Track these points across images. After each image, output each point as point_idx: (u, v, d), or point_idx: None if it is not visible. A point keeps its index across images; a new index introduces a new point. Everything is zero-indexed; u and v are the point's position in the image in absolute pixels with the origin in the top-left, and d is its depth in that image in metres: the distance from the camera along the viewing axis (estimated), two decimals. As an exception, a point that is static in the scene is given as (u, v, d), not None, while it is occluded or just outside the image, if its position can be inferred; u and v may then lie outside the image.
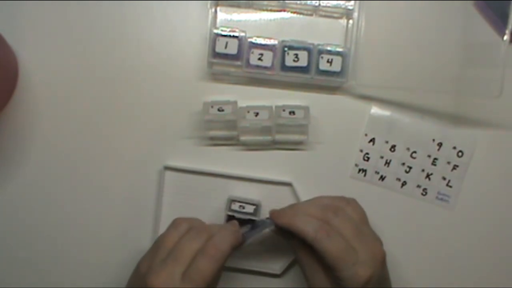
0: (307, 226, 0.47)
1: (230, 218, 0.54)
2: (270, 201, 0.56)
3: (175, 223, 0.48)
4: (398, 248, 0.58)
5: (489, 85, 0.53)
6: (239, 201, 0.54)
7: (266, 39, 0.55)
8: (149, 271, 0.44)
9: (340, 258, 0.45)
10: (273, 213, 0.50)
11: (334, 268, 0.45)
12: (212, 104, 0.55)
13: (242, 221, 0.53)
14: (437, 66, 0.57)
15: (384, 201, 0.58)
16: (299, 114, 0.54)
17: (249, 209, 0.53)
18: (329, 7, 0.56)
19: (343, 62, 0.54)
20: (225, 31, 0.54)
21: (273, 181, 0.57)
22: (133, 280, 0.48)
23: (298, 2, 0.56)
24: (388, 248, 0.58)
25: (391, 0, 0.56)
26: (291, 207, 0.51)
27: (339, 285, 0.46)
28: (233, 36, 0.54)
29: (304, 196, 0.56)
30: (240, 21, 0.57)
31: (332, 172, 0.57)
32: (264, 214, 0.54)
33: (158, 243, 0.47)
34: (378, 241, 0.49)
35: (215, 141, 0.57)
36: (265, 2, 0.56)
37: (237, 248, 0.48)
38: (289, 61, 0.54)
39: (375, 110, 0.57)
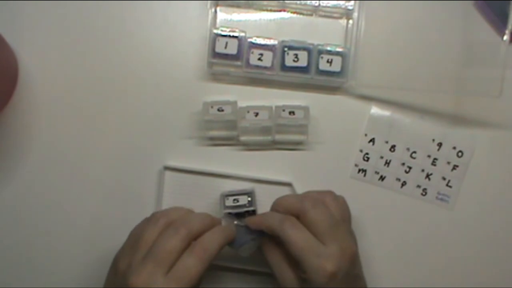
0: (273, 219, 0.47)
1: (227, 216, 0.54)
2: (270, 201, 0.56)
3: (153, 219, 0.47)
4: (398, 248, 0.58)
5: (489, 85, 0.53)
6: (231, 195, 0.54)
7: (266, 39, 0.55)
8: (129, 270, 0.44)
9: (304, 248, 0.45)
10: (247, 219, 0.51)
11: (299, 259, 0.45)
12: (212, 104, 0.55)
13: (241, 215, 0.54)
14: (437, 66, 0.56)
15: (384, 201, 0.58)
16: (299, 114, 0.54)
17: (244, 200, 0.53)
18: (329, 7, 0.56)
19: (343, 62, 0.54)
20: (225, 31, 0.54)
21: (273, 181, 0.57)
22: (112, 278, 0.46)
23: (298, 2, 0.56)
24: (388, 248, 0.58)
25: (391, 0, 0.56)
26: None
27: (304, 280, 0.46)
28: (233, 36, 0.54)
29: (304, 196, 0.56)
30: (240, 21, 0.57)
31: (332, 172, 0.57)
32: (260, 203, 0.54)
33: (136, 240, 0.46)
34: (352, 239, 0.48)
35: (215, 141, 0.57)
36: (265, 2, 0.56)
37: (228, 245, 0.48)
38: (289, 61, 0.54)
39: (375, 110, 0.57)
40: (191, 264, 0.44)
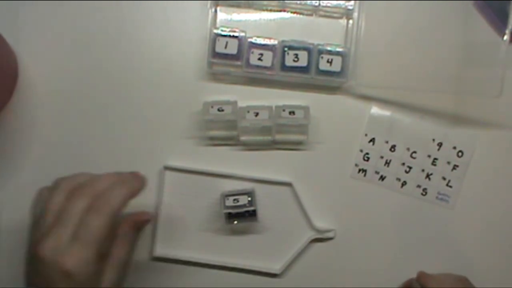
0: None
1: (228, 216, 0.54)
2: (270, 201, 0.56)
3: (57, 185, 0.45)
4: (398, 248, 0.58)
5: (489, 85, 0.53)
6: (231, 195, 0.54)
7: (266, 39, 0.55)
8: (39, 240, 0.42)
9: None
10: (422, 274, 0.54)
11: None
12: (212, 104, 0.55)
13: (241, 215, 0.54)
14: (437, 66, 0.56)
15: (384, 201, 0.58)
16: (299, 114, 0.54)
17: (244, 200, 0.54)
18: (329, 7, 0.56)
19: (343, 62, 0.54)
20: (225, 31, 0.54)
21: (273, 181, 0.57)
22: (26, 258, 0.45)
23: (298, 2, 0.56)
24: (388, 248, 0.58)
25: (391, 0, 0.56)
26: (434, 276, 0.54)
27: None
28: (233, 36, 0.54)
29: (304, 196, 0.56)
30: (240, 21, 0.57)
31: (332, 172, 0.57)
32: (260, 203, 0.55)
33: (44, 210, 0.43)
34: None
35: (215, 141, 0.57)
36: (265, 2, 0.56)
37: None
38: (289, 61, 0.54)
39: (375, 110, 0.57)
40: (91, 220, 0.41)
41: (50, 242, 0.41)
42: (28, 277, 0.44)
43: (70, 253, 0.41)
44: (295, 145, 0.57)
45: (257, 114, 0.54)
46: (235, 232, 0.57)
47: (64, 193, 0.44)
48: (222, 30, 0.54)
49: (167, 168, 0.57)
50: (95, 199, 0.43)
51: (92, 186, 0.44)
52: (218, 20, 0.57)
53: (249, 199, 0.54)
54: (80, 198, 0.43)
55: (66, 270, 0.40)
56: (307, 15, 0.57)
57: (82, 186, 0.44)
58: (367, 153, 0.58)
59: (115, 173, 0.46)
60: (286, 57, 0.54)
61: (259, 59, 0.54)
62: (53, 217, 0.42)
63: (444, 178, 0.57)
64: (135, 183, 0.46)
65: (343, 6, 0.56)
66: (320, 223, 0.57)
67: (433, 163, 0.57)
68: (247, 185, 0.56)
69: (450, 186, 0.57)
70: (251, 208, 0.54)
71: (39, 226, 0.43)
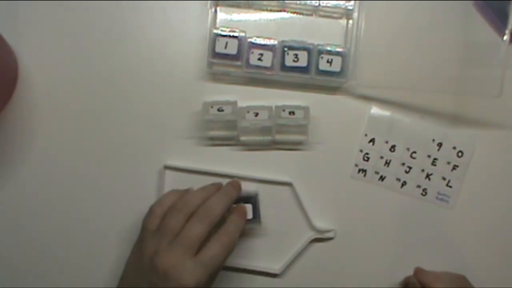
0: None
1: None
2: (270, 201, 0.56)
3: (176, 208, 0.49)
4: (398, 248, 0.58)
5: (489, 85, 0.53)
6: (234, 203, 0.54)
7: (266, 39, 0.55)
8: (157, 254, 0.46)
9: None
10: (419, 269, 0.54)
11: None
12: (212, 104, 0.55)
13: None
14: (437, 66, 0.56)
15: (384, 201, 0.58)
16: (299, 114, 0.54)
17: (248, 210, 0.53)
18: (329, 7, 0.56)
19: (343, 62, 0.54)
20: (225, 31, 0.54)
21: (273, 181, 0.57)
22: (136, 263, 0.49)
23: (298, 2, 0.56)
24: (388, 248, 0.58)
25: (391, 0, 0.56)
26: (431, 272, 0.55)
27: None
28: (233, 36, 0.54)
29: (304, 196, 0.56)
30: (240, 21, 0.57)
31: (332, 172, 0.57)
32: (260, 203, 0.55)
33: (161, 228, 0.49)
34: None
35: (215, 141, 0.57)
36: (265, 2, 0.56)
37: None
38: (289, 61, 0.54)
39: (375, 110, 0.57)
40: (218, 251, 0.47)
41: (172, 259, 0.46)
42: (133, 284, 0.49)
43: (191, 272, 0.45)
44: (295, 145, 0.57)
45: (257, 114, 0.54)
46: (235, 232, 0.57)
47: (184, 216, 0.48)
48: (222, 30, 0.54)
49: (167, 168, 0.57)
50: (213, 224, 0.48)
51: (209, 213, 0.48)
52: (218, 20, 0.57)
53: (253, 206, 0.54)
54: (198, 222, 0.48)
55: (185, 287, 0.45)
56: (307, 15, 0.57)
57: (200, 211, 0.49)
58: (367, 153, 0.58)
59: (224, 193, 0.51)
60: (286, 57, 0.54)
61: (259, 59, 0.54)
62: (171, 235, 0.47)
63: (444, 178, 0.57)
64: (244, 212, 0.52)
65: (343, 6, 0.56)
66: (320, 223, 0.57)
67: (433, 163, 0.57)
68: (248, 186, 0.56)
69: (450, 186, 0.57)
70: (256, 219, 0.54)
71: (154, 241, 0.48)
